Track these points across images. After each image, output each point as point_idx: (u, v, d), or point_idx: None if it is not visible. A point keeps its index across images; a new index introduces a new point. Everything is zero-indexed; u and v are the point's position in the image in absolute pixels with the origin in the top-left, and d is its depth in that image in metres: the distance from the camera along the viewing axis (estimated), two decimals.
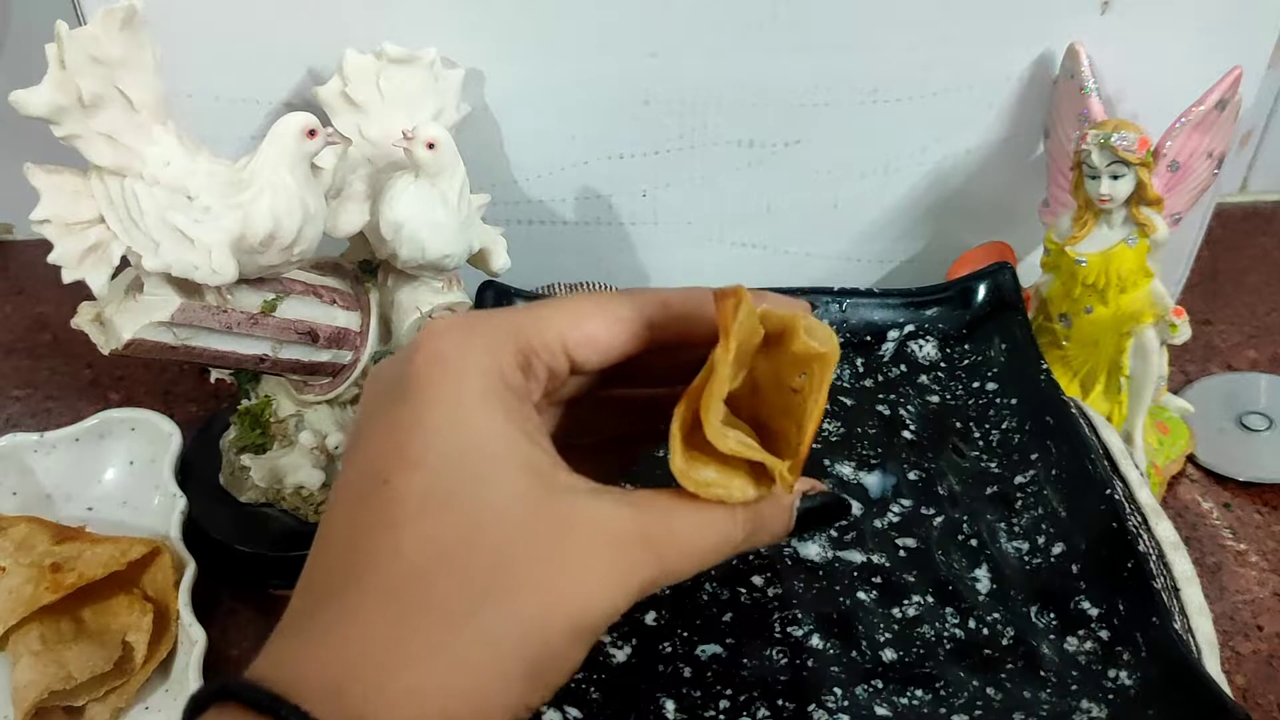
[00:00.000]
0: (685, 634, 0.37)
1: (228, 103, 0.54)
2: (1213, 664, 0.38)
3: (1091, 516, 0.40)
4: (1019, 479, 0.43)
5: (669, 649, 0.37)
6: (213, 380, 0.58)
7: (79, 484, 0.57)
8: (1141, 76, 0.55)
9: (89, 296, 0.48)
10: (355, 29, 0.51)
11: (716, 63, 0.56)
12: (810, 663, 0.36)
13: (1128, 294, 0.53)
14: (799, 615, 0.38)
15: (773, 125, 0.59)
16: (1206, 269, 0.73)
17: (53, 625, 0.48)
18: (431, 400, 0.27)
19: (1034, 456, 0.44)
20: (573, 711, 0.35)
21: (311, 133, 0.46)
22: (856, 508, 0.42)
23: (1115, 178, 0.50)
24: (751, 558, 0.40)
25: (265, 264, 0.48)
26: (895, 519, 0.42)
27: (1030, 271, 0.58)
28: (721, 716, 0.34)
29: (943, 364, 0.49)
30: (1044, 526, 0.41)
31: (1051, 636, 0.38)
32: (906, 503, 0.42)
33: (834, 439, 0.45)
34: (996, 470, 0.44)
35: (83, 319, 0.49)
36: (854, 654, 0.37)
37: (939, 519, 0.42)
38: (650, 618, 0.38)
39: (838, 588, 0.39)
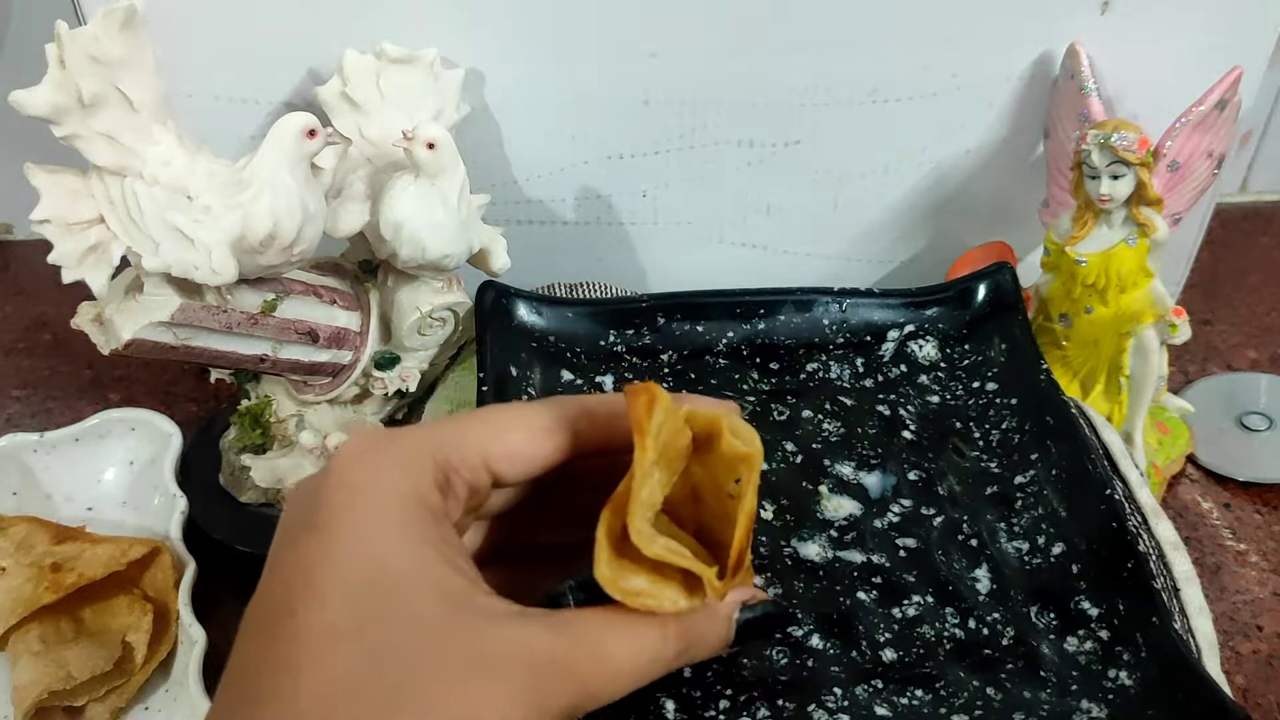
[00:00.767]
0: None
1: (228, 103, 0.54)
2: (1213, 664, 0.38)
3: (1091, 516, 0.40)
4: (1019, 479, 0.43)
5: None
6: (213, 380, 0.58)
7: (79, 484, 0.57)
8: (1141, 76, 0.55)
9: (89, 296, 0.48)
10: (355, 29, 0.51)
11: (716, 63, 0.56)
12: (810, 663, 0.36)
13: (1128, 294, 0.53)
14: (799, 615, 0.38)
15: (773, 125, 0.59)
16: (1206, 269, 0.73)
17: (53, 625, 0.48)
18: (339, 530, 0.26)
19: (1034, 456, 0.44)
20: None
21: (311, 133, 0.46)
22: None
23: (1115, 178, 0.50)
24: (751, 557, 0.39)
25: (265, 264, 0.48)
26: (895, 519, 0.42)
27: (1030, 271, 0.58)
28: (721, 716, 0.34)
29: (943, 364, 0.49)
30: (1044, 526, 0.41)
31: (1051, 636, 0.38)
32: (906, 503, 0.42)
33: (834, 439, 0.45)
34: (996, 470, 0.44)
35: (83, 319, 0.49)
36: (854, 654, 0.37)
37: (939, 519, 0.42)
38: None
39: (838, 588, 0.39)
